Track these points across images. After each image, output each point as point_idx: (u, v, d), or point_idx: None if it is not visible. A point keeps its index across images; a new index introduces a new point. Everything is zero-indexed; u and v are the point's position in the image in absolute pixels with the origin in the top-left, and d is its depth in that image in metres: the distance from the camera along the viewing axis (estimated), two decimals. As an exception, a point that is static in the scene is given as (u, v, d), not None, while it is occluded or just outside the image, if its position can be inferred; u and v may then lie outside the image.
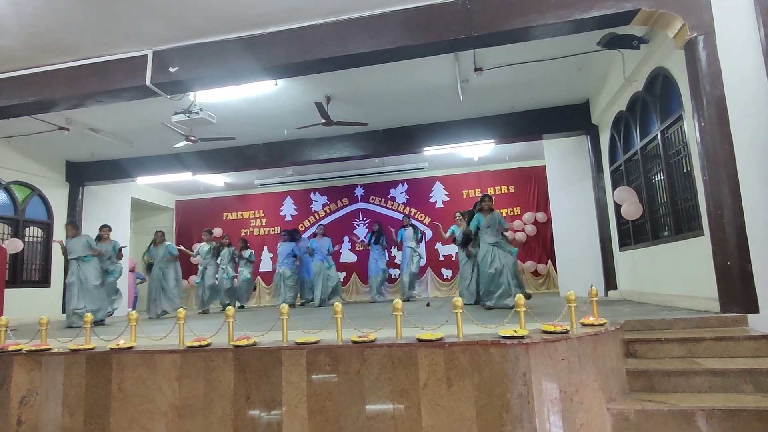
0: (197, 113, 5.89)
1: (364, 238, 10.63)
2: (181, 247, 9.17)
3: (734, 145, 3.89)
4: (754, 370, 3.12)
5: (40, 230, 8.94)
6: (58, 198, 9.23)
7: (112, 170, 9.38)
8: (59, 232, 9.11)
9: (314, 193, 12.04)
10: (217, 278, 9.21)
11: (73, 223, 7.29)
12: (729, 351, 3.42)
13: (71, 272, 6.95)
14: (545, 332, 3.03)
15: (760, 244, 3.73)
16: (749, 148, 3.86)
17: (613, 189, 6.81)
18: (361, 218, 11.73)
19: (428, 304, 7.61)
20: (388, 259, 10.46)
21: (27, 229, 8.67)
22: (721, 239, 3.90)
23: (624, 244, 6.97)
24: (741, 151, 3.87)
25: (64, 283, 8.92)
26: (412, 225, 9.66)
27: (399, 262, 10.69)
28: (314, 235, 10.04)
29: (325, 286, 9.36)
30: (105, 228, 7.55)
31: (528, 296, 5.47)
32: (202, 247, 9.34)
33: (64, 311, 8.81)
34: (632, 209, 6.03)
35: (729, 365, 3.20)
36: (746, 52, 3.97)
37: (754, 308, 3.69)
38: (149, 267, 8.62)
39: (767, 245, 3.71)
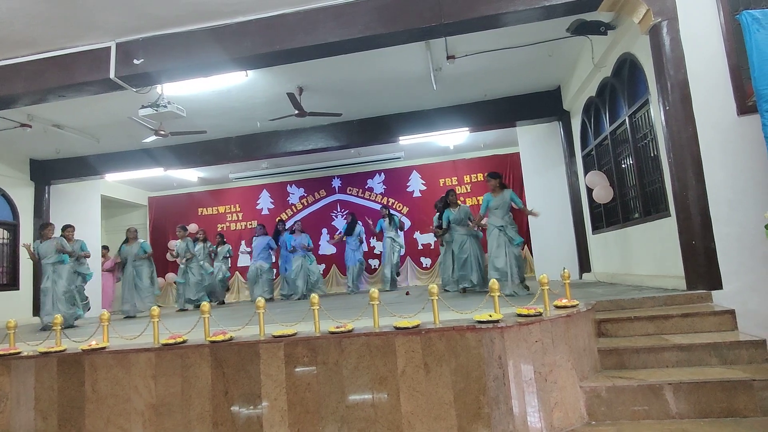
0: (165, 106, 5.72)
1: (341, 230, 10.55)
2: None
3: (697, 127, 4.01)
4: (718, 343, 3.26)
5: (5, 231, 8.63)
6: (24, 198, 8.91)
7: (79, 167, 9.09)
8: (26, 233, 8.82)
9: (291, 186, 11.92)
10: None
11: (44, 226, 7.03)
12: (695, 326, 3.56)
13: (46, 276, 6.78)
14: (519, 315, 3.09)
15: (723, 224, 3.88)
16: (711, 131, 3.99)
17: (585, 174, 6.94)
18: (339, 210, 11.67)
19: (407, 293, 7.68)
20: (366, 249, 10.50)
21: (-9, 231, 8.37)
22: (686, 219, 4.03)
23: (596, 228, 7.14)
24: (704, 133, 4.00)
25: (35, 286, 8.70)
26: (389, 215, 9.64)
27: (378, 252, 10.74)
28: (292, 231, 9.94)
29: (307, 280, 9.34)
30: (69, 228, 7.17)
31: (527, 288, 5.54)
32: (179, 244, 9.13)
33: (35, 314, 8.57)
34: (603, 193, 6.17)
35: (695, 340, 3.33)
36: (708, 36, 4.08)
37: (717, 285, 3.85)
38: (122, 266, 8.43)
39: (729, 224, 3.86)
